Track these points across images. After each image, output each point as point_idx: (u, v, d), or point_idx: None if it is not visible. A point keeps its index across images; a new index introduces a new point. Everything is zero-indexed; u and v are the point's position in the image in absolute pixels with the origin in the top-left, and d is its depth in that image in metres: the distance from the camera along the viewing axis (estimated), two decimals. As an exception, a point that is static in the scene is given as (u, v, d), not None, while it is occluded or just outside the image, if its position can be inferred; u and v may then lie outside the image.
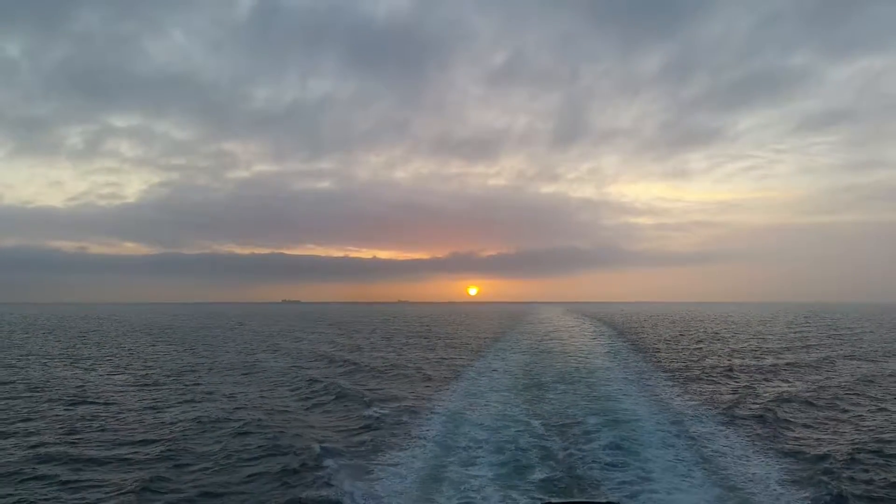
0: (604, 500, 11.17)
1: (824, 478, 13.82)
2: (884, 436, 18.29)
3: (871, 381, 29.56)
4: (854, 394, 26.00)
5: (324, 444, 16.88)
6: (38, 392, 27.22)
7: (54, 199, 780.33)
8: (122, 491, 13.43)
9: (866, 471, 14.64)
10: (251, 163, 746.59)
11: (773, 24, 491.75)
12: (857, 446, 16.88)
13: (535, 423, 19.93)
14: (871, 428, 19.49)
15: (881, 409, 22.76)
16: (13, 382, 30.19)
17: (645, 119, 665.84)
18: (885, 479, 14.16)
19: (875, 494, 13.10)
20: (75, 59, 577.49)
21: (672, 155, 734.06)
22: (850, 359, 40.46)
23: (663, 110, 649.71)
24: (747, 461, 15.46)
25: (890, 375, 32.18)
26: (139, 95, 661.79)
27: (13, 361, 40.77)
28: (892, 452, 16.27)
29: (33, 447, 17.33)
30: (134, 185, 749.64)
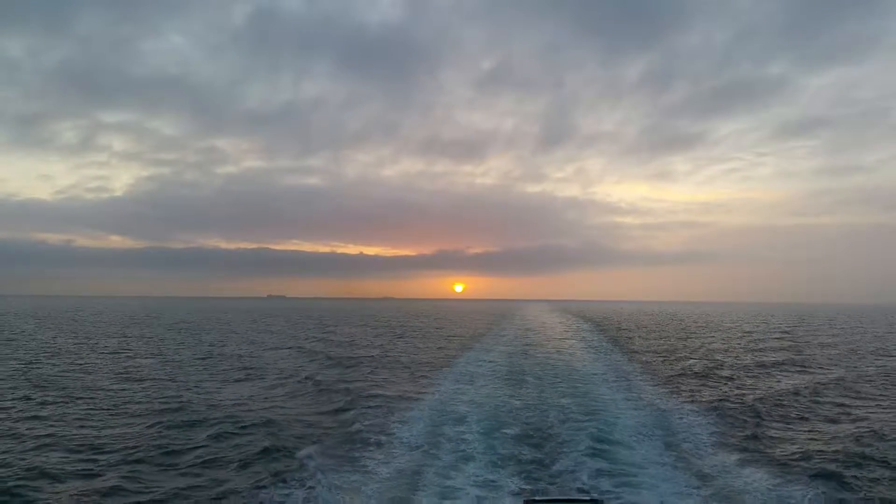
0: (586, 498, 11.00)
1: (804, 472, 13.93)
2: (864, 433, 18.30)
3: (852, 381, 29.65)
4: (834, 392, 26.26)
5: (308, 434, 17.21)
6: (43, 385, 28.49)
7: (42, 192, 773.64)
8: (95, 482, 13.41)
9: (847, 467, 14.67)
10: (240, 159, 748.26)
11: (747, 37, 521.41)
12: (839, 443, 17.06)
13: (517, 415, 20.13)
14: (851, 426, 19.66)
15: (861, 408, 22.99)
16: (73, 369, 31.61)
17: (628, 124, 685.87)
18: (869, 475, 14.14)
19: (860, 492, 13.02)
20: (75, 59, 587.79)
21: (655, 158, 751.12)
22: (828, 359, 40.35)
23: (645, 116, 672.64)
24: (728, 455, 15.67)
25: (869, 374, 32.66)
26: (135, 94, 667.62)
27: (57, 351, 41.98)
28: (874, 450, 16.26)
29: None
30: (122, 179, 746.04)
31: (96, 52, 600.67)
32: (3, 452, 15.41)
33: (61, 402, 22.19)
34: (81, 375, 29.01)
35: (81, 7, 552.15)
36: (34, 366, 32.34)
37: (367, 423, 18.65)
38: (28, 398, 22.71)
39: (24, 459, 14.80)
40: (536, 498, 10.49)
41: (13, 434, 17.32)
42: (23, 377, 28.11)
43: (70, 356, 37.49)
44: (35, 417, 19.48)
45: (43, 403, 21.75)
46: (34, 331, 62.02)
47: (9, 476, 13.44)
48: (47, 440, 16.61)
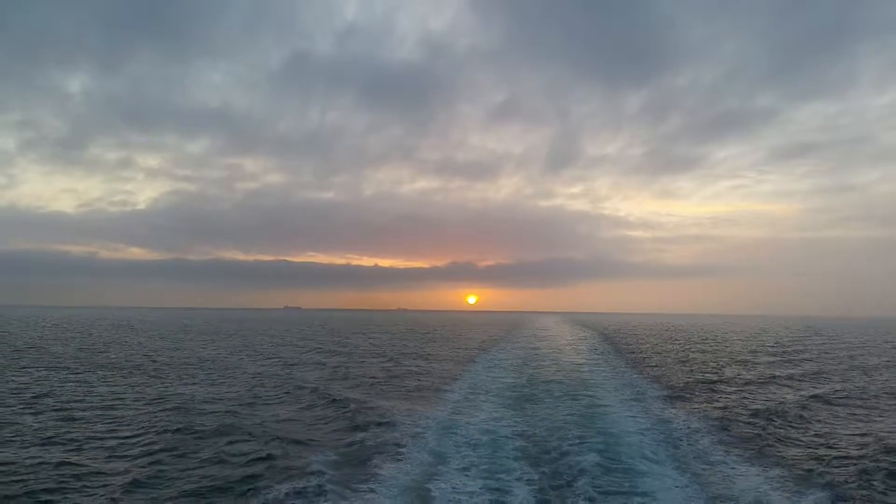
0: None
1: (814, 485, 13.93)
2: (869, 448, 18.09)
3: (859, 394, 29.48)
4: (845, 406, 26.07)
5: (316, 450, 16.93)
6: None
7: (66, 205, 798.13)
8: (105, 492, 13.50)
9: (857, 481, 14.56)
10: (261, 177, 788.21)
11: (734, 76, 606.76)
12: (848, 457, 16.96)
13: (528, 427, 20.19)
14: (857, 439, 19.51)
15: (870, 422, 22.80)
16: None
17: (631, 148, 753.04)
18: (874, 490, 14.05)
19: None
20: (121, 92, 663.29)
21: (660, 177, 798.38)
22: (836, 372, 40.21)
23: (646, 142, 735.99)
24: (739, 475, 15.29)
25: (876, 387, 32.45)
26: (172, 124, 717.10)
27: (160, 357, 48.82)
28: (880, 465, 16.04)
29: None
30: (146, 194, 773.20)
31: (142, 87, 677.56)
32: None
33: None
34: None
35: (135, 52, 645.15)
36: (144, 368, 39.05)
37: (376, 434, 18.61)
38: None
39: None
40: None
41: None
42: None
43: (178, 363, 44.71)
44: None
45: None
46: (116, 338, 68.95)
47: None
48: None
